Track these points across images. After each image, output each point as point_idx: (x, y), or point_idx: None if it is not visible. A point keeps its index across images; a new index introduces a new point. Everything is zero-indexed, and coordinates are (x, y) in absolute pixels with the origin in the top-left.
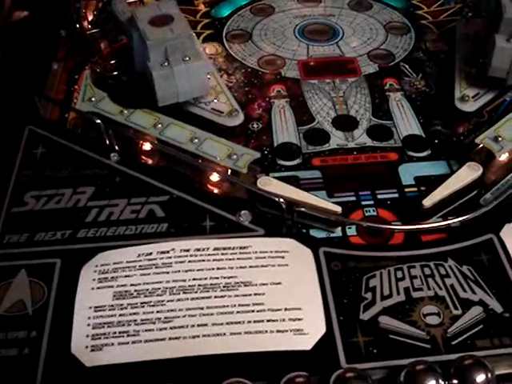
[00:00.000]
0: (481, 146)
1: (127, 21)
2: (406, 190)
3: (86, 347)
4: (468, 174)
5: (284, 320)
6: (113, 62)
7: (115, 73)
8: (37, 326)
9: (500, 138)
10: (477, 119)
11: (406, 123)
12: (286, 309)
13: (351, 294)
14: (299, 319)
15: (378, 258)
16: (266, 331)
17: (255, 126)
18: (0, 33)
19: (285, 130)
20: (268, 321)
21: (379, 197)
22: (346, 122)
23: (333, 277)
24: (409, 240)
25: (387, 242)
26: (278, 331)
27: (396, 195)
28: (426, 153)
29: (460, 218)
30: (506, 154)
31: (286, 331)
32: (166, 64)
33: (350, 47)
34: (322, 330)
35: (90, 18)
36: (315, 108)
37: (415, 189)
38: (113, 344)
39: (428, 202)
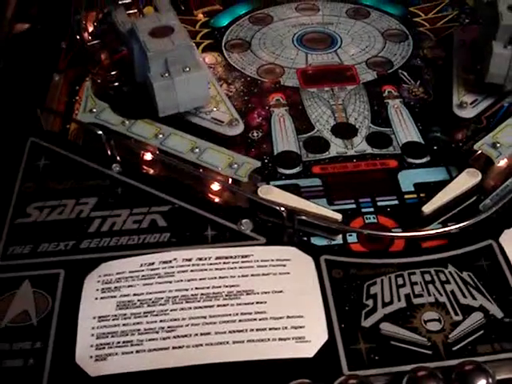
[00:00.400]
0: (479, 152)
1: (128, 32)
2: (406, 196)
3: (91, 357)
4: (467, 180)
5: (286, 328)
6: (113, 72)
7: (116, 84)
8: (41, 336)
9: (498, 144)
10: (475, 125)
11: (405, 130)
12: (288, 317)
13: (352, 301)
14: (301, 327)
15: (378, 265)
16: (269, 339)
17: (255, 134)
18: (1, 45)
19: (285, 138)
20: (270, 329)
21: (379, 204)
22: (345, 130)
23: (334, 284)
24: (409, 247)
25: (388, 248)
26: (281, 339)
27: (396, 202)
28: (425, 159)
29: (459, 224)
30: (505, 160)
31: (289, 339)
32: (166, 75)
33: (348, 55)
34: (324, 337)
35: (91, 29)
36: (314, 116)
37: (415, 195)
38: (117, 354)
39: (428, 208)
